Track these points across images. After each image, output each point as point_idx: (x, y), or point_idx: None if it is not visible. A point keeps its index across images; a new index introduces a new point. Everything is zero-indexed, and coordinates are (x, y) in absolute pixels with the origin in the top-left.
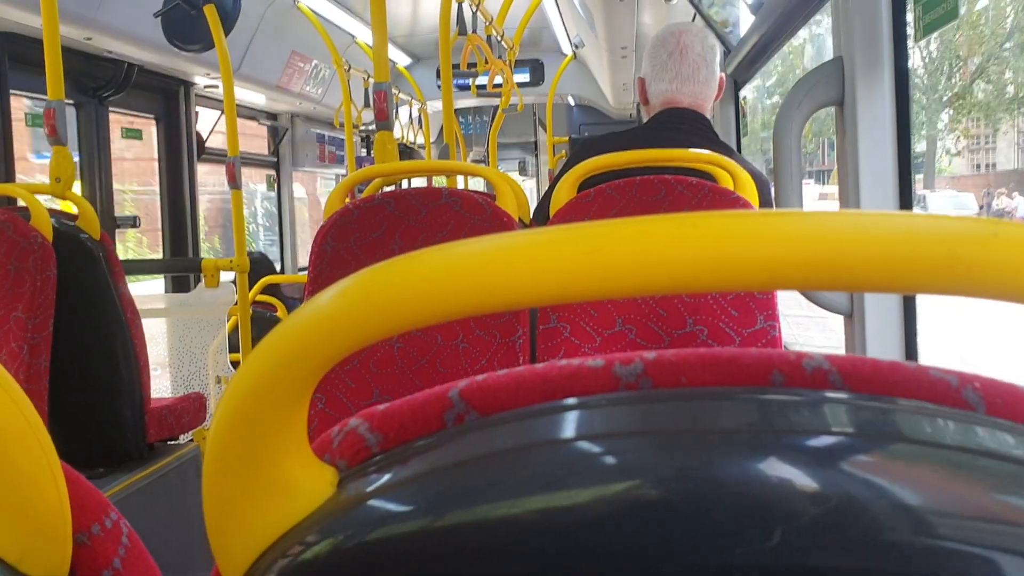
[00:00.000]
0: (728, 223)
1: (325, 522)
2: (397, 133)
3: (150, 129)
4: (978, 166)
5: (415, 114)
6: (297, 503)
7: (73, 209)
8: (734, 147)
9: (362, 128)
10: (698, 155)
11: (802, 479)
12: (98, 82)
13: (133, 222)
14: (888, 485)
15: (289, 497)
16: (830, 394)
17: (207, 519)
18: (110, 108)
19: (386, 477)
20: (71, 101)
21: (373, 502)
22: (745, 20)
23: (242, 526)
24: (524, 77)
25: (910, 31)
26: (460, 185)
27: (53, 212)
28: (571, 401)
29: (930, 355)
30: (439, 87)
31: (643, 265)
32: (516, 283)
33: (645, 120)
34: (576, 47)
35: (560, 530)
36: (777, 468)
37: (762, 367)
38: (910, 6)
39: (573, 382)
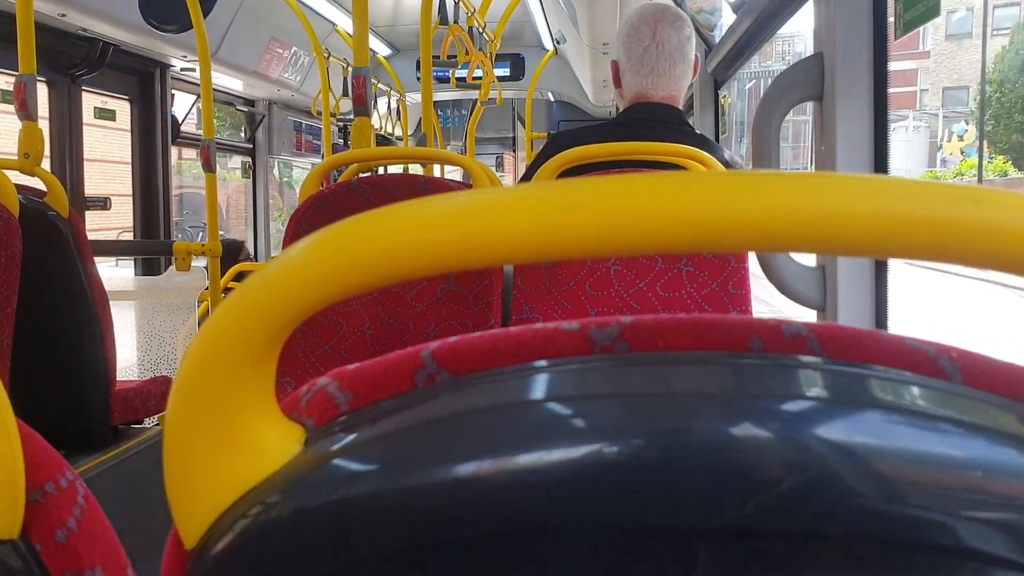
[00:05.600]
0: (714, 183)
1: (289, 481)
2: (375, 123)
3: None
4: None
5: (394, 105)
6: (261, 462)
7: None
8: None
9: (340, 117)
10: (676, 149)
11: (777, 444)
12: (72, 61)
13: (104, 203)
14: (863, 452)
15: (252, 455)
16: (808, 360)
17: (167, 478)
18: (83, 88)
19: (353, 436)
20: (43, 79)
21: (339, 461)
22: (727, 19)
23: (203, 485)
24: (504, 71)
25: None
26: (437, 175)
27: (21, 188)
28: (544, 363)
29: None
30: (418, 79)
31: (625, 220)
32: (493, 237)
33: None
34: (557, 42)
35: (530, 490)
36: (753, 433)
37: (741, 332)
38: (890, 3)
39: (548, 345)
